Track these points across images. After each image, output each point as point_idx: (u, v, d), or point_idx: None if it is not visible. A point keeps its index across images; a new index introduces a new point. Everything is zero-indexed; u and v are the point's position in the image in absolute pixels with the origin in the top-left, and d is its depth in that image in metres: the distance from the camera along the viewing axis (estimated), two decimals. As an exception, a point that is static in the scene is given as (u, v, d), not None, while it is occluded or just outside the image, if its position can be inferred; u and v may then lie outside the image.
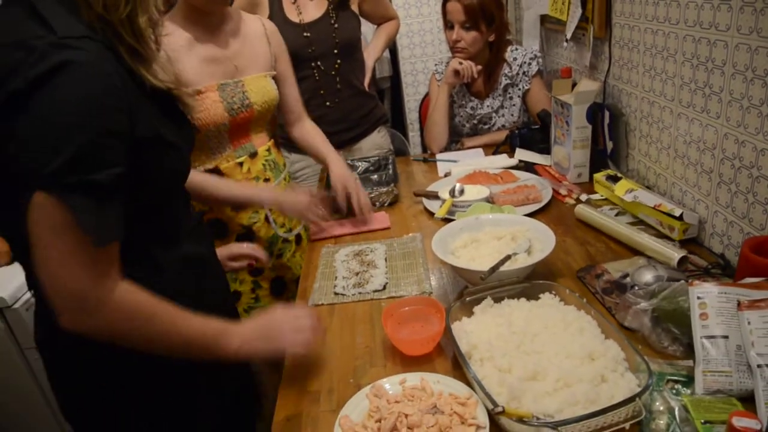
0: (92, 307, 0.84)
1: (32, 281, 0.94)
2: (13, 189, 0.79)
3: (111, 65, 0.82)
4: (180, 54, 1.39)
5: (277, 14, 2.03)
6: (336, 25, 2.06)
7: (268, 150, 1.65)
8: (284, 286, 1.72)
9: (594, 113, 1.74)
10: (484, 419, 0.89)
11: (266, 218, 1.63)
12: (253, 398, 1.36)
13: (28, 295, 1.63)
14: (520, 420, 0.82)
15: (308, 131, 1.80)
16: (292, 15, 2.04)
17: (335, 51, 2.08)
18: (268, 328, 1.04)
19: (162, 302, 0.92)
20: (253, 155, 1.59)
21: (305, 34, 2.02)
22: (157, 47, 0.94)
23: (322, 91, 2.12)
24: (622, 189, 1.52)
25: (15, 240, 0.93)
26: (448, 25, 2.16)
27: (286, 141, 2.23)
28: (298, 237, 1.78)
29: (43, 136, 0.76)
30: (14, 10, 0.82)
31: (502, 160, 2.05)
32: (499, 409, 0.80)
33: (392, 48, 3.32)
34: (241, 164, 1.55)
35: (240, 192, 1.49)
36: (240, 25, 1.58)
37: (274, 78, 1.65)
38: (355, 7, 2.15)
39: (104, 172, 0.80)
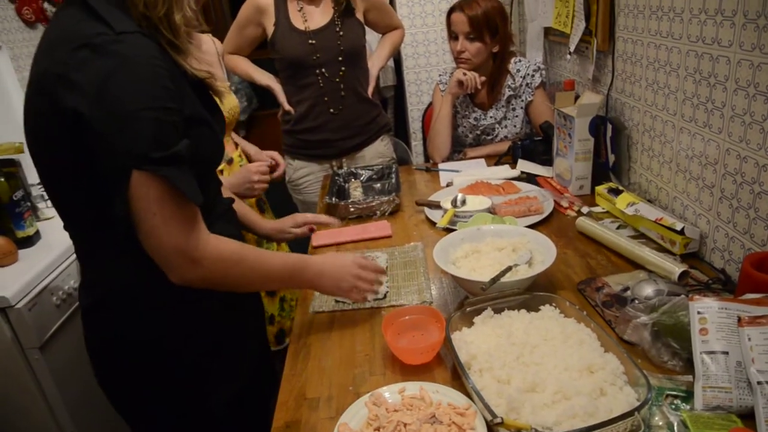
0: (196, 258, 0.98)
1: (81, 254, 1.10)
2: (98, 179, 0.93)
3: (158, 55, 0.92)
4: None
5: (282, 21, 2.05)
6: (341, 33, 2.07)
7: (240, 156, 1.88)
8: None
9: (597, 126, 1.74)
10: (482, 430, 0.89)
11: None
12: (269, 376, 1.43)
13: (32, 294, 1.64)
14: (519, 431, 0.82)
15: None
16: (298, 22, 2.06)
17: (340, 58, 2.09)
18: (338, 271, 1.21)
19: (246, 246, 1.10)
20: (230, 162, 1.80)
21: (310, 41, 2.04)
22: (190, 41, 1.04)
23: (326, 98, 2.13)
24: (623, 202, 1.53)
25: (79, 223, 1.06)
26: (453, 36, 2.17)
27: (288, 148, 2.24)
28: None
29: (123, 125, 0.87)
30: (73, 11, 0.93)
31: (504, 171, 2.05)
32: (498, 420, 0.80)
33: (396, 57, 3.33)
34: (222, 171, 1.64)
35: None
36: (200, 42, 1.73)
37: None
38: (360, 16, 2.17)
39: (179, 144, 0.93)
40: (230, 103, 1.85)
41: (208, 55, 1.80)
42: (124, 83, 0.87)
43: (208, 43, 1.91)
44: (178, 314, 1.10)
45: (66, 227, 1.08)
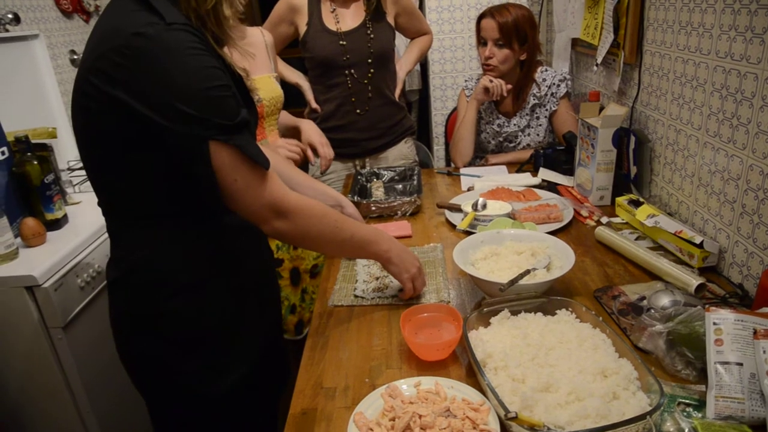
0: (283, 210, 1.08)
1: (112, 229, 1.16)
2: (152, 155, 1.01)
3: (204, 47, 0.98)
4: None
5: (315, 22, 2.09)
6: (372, 36, 2.11)
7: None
8: (299, 276, 1.78)
9: (620, 138, 1.75)
10: (495, 426, 0.91)
11: None
12: (282, 365, 1.47)
13: (58, 275, 1.68)
14: (532, 428, 0.84)
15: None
16: (330, 23, 2.09)
17: (369, 60, 2.12)
18: (407, 258, 1.31)
19: (329, 207, 1.19)
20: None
21: (341, 42, 2.08)
22: (234, 35, 1.11)
23: (353, 99, 2.16)
24: (643, 214, 1.54)
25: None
26: (482, 42, 2.20)
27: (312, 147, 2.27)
28: None
29: (188, 103, 0.94)
30: (126, 1, 0.99)
31: (526, 178, 2.07)
32: (512, 414, 0.82)
33: (423, 62, 3.36)
34: None
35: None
36: (245, 34, 1.78)
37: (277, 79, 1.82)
38: (391, 20, 2.20)
39: (241, 113, 1.01)
40: (274, 92, 1.87)
41: (254, 47, 1.82)
42: (181, 67, 0.94)
43: (256, 35, 1.93)
44: (200, 293, 1.14)
45: (100, 203, 1.14)
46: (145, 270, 1.12)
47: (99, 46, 0.97)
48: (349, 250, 1.33)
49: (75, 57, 2.74)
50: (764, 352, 0.91)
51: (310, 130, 2.05)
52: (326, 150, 2.05)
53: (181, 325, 1.14)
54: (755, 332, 0.93)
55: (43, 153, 1.94)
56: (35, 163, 1.83)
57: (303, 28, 2.13)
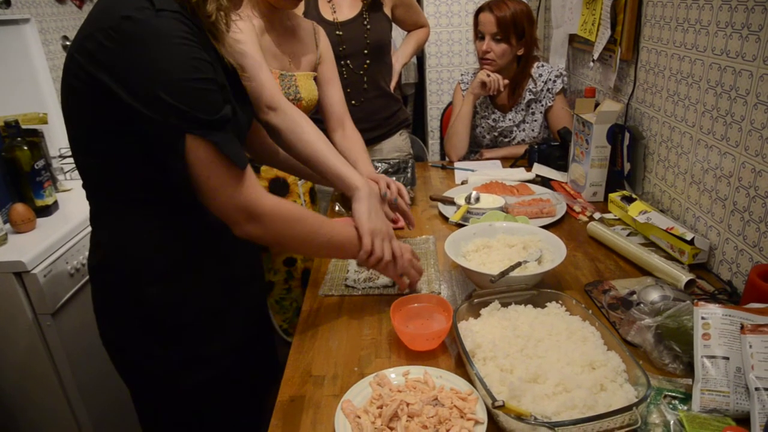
0: (256, 215, 1.04)
1: (93, 214, 1.14)
2: (131, 143, 0.99)
3: (192, 36, 0.95)
4: (252, 36, 1.46)
5: (311, 11, 2.08)
6: (368, 27, 2.10)
7: None
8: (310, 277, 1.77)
9: (614, 134, 1.76)
10: (483, 415, 0.91)
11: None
12: (270, 360, 1.47)
13: (48, 261, 1.68)
14: (519, 417, 0.84)
15: (349, 137, 1.69)
16: (327, 13, 2.08)
17: (365, 51, 2.11)
18: (396, 248, 1.26)
19: (306, 209, 1.15)
20: None
21: (338, 32, 2.06)
22: (227, 29, 1.09)
23: (348, 90, 2.15)
24: (635, 210, 1.54)
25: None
26: (479, 36, 2.19)
27: None
28: None
29: (170, 93, 0.91)
30: None
31: (519, 173, 2.07)
32: (499, 403, 0.82)
33: (419, 55, 3.36)
34: None
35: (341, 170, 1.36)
36: (296, 24, 1.66)
37: (315, 79, 1.70)
38: (388, 11, 2.19)
39: (224, 109, 0.98)
40: (313, 93, 1.68)
41: (301, 42, 1.70)
42: (166, 55, 0.92)
43: (306, 26, 1.77)
44: (179, 282, 1.13)
45: (83, 185, 1.13)
46: (122, 256, 1.11)
47: (89, 25, 0.96)
48: (326, 254, 1.32)
49: (67, 43, 2.71)
50: (750, 346, 0.91)
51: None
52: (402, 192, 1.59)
53: (160, 314, 1.13)
54: (742, 327, 0.94)
55: (34, 139, 1.93)
56: (25, 148, 1.82)
57: (299, 18, 2.11)
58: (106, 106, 0.95)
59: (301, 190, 1.80)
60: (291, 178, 1.74)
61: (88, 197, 1.14)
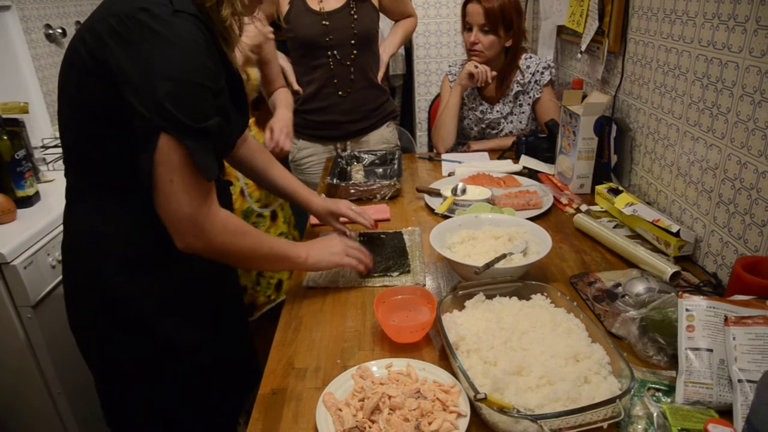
0: (204, 229, 1.03)
1: (68, 193, 1.15)
2: (117, 131, 1.00)
3: (203, 40, 0.97)
4: None
5: (297, 2, 2.05)
6: (355, 17, 2.08)
7: (249, 128, 1.76)
8: None
9: (601, 126, 1.75)
10: (465, 408, 0.90)
11: (241, 191, 1.69)
12: (247, 359, 1.45)
13: (28, 253, 1.65)
14: (501, 410, 0.83)
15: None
16: (313, 3, 2.06)
17: (352, 41, 2.09)
18: (328, 244, 1.29)
19: (249, 225, 1.15)
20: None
21: (324, 22, 2.04)
22: (240, 34, 1.11)
23: (335, 80, 2.13)
24: (622, 202, 1.53)
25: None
26: (467, 27, 2.17)
27: (294, 127, 2.24)
28: (274, 214, 1.86)
29: (162, 89, 0.91)
30: None
31: (507, 165, 2.06)
32: (482, 395, 0.81)
33: (407, 46, 3.33)
34: None
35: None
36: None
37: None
38: (375, 1, 2.17)
39: (210, 120, 0.98)
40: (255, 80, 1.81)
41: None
42: (171, 53, 0.93)
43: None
44: (147, 272, 1.13)
45: (64, 161, 1.14)
46: (91, 238, 1.11)
47: (103, 9, 0.97)
48: (270, 265, 1.40)
49: (50, 32, 2.66)
50: (734, 338, 0.91)
51: (279, 117, 1.94)
52: (281, 138, 1.86)
53: (126, 303, 1.13)
54: (726, 319, 0.93)
55: (15, 128, 1.89)
56: (5, 138, 1.79)
57: (285, 7, 2.08)
58: (100, 89, 0.97)
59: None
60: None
61: (67, 173, 1.14)
